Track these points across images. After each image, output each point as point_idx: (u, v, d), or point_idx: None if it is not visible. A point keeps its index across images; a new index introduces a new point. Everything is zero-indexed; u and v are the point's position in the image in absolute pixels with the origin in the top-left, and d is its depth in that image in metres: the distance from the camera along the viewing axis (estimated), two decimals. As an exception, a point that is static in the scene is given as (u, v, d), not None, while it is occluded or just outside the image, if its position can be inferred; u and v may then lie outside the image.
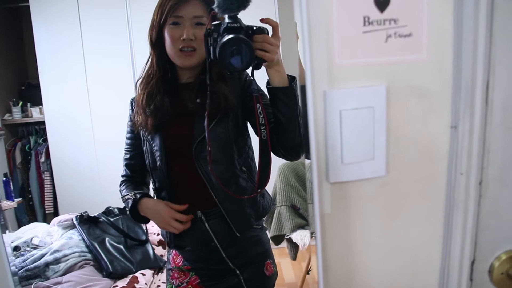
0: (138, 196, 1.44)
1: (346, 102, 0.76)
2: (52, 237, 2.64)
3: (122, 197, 1.51)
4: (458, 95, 0.81)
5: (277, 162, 3.04)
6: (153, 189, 1.50)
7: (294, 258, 3.20)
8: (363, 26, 0.74)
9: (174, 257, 1.50)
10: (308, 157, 0.81)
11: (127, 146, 1.54)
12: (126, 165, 1.54)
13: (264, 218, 1.55)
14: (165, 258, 2.53)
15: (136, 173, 1.53)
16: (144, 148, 1.46)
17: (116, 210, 2.74)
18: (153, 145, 1.40)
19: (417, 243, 0.90)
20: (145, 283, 2.28)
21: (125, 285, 2.24)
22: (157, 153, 1.39)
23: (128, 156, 1.53)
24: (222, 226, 1.42)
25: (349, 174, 0.81)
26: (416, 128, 0.83)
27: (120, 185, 1.55)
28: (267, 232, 1.59)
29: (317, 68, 0.74)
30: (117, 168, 3.94)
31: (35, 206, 4.28)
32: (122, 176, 1.56)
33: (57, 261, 2.35)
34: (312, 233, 2.91)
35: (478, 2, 0.75)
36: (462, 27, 0.77)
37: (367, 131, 0.78)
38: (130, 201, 1.45)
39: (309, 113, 0.74)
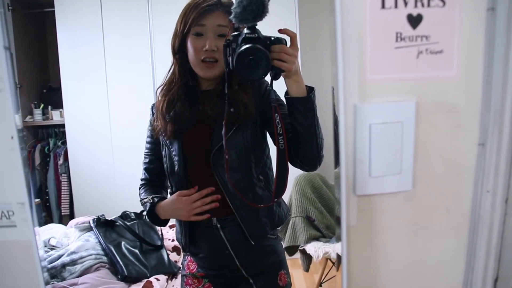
0: (155, 200, 1.46)
1: (376, 116, 0.77)
2: (69, 239, 2.67)
3: (140, 200, 1.53)
4: (487, 113, 0.81)
5: (293, 173, 3.05)
6: (170, 193, 1.51)
7: (307, 269, 3.19)
8: (395, 42, 0.75)
9: (189, 263, 1.51)
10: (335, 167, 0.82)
11: (146, 151, 1.56)
12: (145, 169, 1.56)
13: (279, 228, 1.55)
14: (179, 264, 2.54)
15: (155, 177, 1.54)
16: (163, 153, 1.47)
17: (132, 214, 2.77)
18: (172, 150, 1.41)
19: (440, 258, 0.90)
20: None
21: (139, 290, 2.27)
22: (176, 158, 1.41)
23: (147, 160, 1.55)
24: (237, 234, 1.42)
25: (376, 187, 0.82)
26: (444, 144, 0.84)
27: (140, 188, 1.57)
28: (281, 242, 1.59)
29: (349, 82, 0.75)
30: (134, 173, 3.98)
31: (51, 207, 4.32)
32: (142, 179, 1.58)
33: (73, 262, 2.38)
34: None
35: (510, 20, 0.76)
36: (494, 44, 0.78)
37: (395, 146, 0.79)
38: (148, 205, 1.47)
39: (340, 126, 0.75)
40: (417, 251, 0.89)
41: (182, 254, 2.71)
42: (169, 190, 1.52)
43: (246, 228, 1.41)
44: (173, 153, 1.41)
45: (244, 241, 1.42)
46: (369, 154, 0.79)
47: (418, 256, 0.90)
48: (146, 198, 1.49)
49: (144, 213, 1.52)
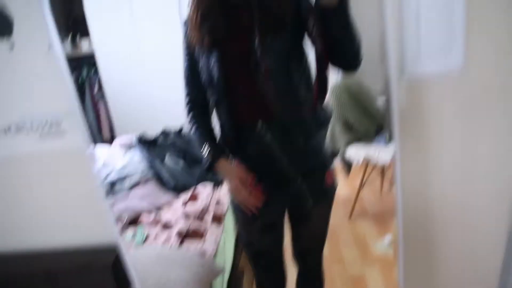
0: (215, 158, 1.48)
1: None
2: (114, 158, 2.77)
3: (192, 134, 1.52)
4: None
5: (330, 79, 3.00)
6: (212, 103, 1.51)
7: (348, 174, 3.24)
8: None
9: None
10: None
11: (185, 64, 1.54)
12: (187, 84, 1.54)
13: (324, 129, 1.55)
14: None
15: (198, 90, 1.52)
16: (201, 65, 1.45)
17: (172, 130, 2.82)
18: (210, 61, 1.39)
19: (494, 141, 0.87)
20: (206, 196, 2.38)
21: (187, 198, 2.35)
22: (215, 69, 1.39)
23: (187, 74, 1.53)
24: (283, 136, 1.43)
25: (426, 67, 0.79)
26: (497, 21, 0.78)
27: (187, 110, 1.55)
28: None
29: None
30: (169, 90, 4.01)
31: (93, 135, 4.44)
32: (186, 96, 1.55)
33: (121, 179, 2.48)
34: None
35: None
36: None
37: (445, 23, 0.74)
38: (207, 164, 1.50)
39: (387, 5, 0.71)
40: (470, 135, 0.86)
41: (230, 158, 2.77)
42: (210, 102, 1.50)
43: (292, 131, 1.41)
44: (212, 64, 1.39)
45: (291, 142, 1.43)
46: (418, 32, 0.75)
47: (470, 142, 0.87)
48: (203, 147, 1.49)
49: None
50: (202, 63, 1.43)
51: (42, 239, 1.07)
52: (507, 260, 1.01)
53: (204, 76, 1.44)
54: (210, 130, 1.52)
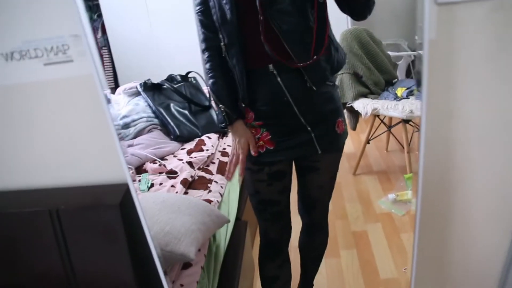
0: (231, 121, 1.44)
1: None
2: (119, 105, 2.72)
3: (210, 86, 1.47)
4: None
5: (339, 28, 2.92)
6: (222, 45, 1.45)
7: (354, 128, 3.19)
8: None
9: (246, 114, 1.50)
10: None
11: (198, 7, 1.46)
12: (203, 26, 1.47)
13: (338, 74, 1.50)
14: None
15: (215, 33, 1.45)
16: (211, 3, 1.38)
17: (178, 77, 2.76)
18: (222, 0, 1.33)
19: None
20: (212, 145, 2.35)
21: (192, 147, 2.33)
22: (227, 7, 1.32)
23: (202, 15, 1.45)
24: (294, 80, 1.38)
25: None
26: None
27: (205, 60, 1.48)
28: (338, 90, 1.54)
29: None
30: (173, 36, 3.93)
31: (96, 81, 4.38)
32: (203, 41, 1.48)
33: (126, 125, 2.44)
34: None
35: None
36: None
37: None
38: (222, 124, 1.46)
39: None
40: (502, 69, 0.81)
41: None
42: (221, 43, 1.44)
43: (306, 73, 1.36)
44: (223, 0, 1.32)
45: (302, 87, 1.38)
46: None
47: (500, 75, 0.82)
48: (221, 105, 1.44)
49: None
50: (213, 1, 1.36)
51: (47, 176, 1.04)
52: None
53: (215, 15, 1.37)
54: (229, 84, 1.46)
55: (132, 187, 0.94)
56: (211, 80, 1.46)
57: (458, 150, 0.90)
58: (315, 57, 1.36)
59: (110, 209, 0.95)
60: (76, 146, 0.98)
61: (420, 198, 0.92)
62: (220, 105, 1.44)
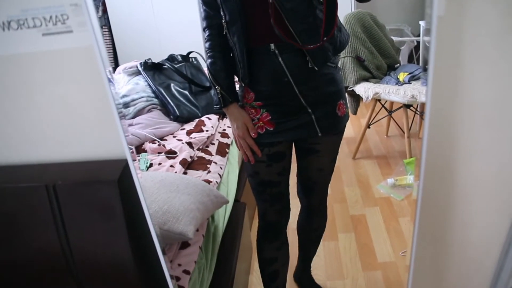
0: (226, 103, 1.44)
1: None
2: (119, 84, 2.69)
3: (209, 66, 1.45)
4: None
5: (343, 11, 2.88)
6: (224, 22, 1.42)
7: (355, 112, 3.18)
8: None
9: (246, 94, 1.48)
10: None
11: None
12: (204, 3, 1.44)
13: (340, 57, 1.47)
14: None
15: (217, 11, 1.43)
16: None
17: (179, 57, 2.73)
18: None
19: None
20: (212, 126, 2.33)
21: (192, 128, 2.31)
22: None
23: None
24: (296, 61, 1.36)
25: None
26: None
27: (205, 39, 1.45)
28: (340, 72, 1.52)
29: None
30: (175, 16, 3.88)
31: (96, 61, 4.35)
32: (204, 19, 1.46)
33: (126, 105, 2.42)
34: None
35: None
36: None
37: None
38: (217, 106, 1.46)
39: None
40: (509, 49, 0.80)
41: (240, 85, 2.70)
42: (223, 20, 1.41)
43: (308, 53, 1.34)
44: None
45: (304, 67, 1.36)
46: None
47: (509, 55, 0.80)
48: (218, 86, 1.43)
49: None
50: None
51: (44, 151, 1.02)
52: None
53: None
54: (228, 65, 1.45)
55: (131, 163, 0.93)
56: (209, 60, 1.45)
57: (462, 130, 0.89)
58: (325, 38, 1.34)
59: (108, 185, 0.94)
60: (74, 120, 0.96)
61: (423, 180, 0.91)
62: (217, 87, 1.43)
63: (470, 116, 0.88)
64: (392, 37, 3.23)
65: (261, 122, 1.45)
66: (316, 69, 1.37)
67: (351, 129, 3.56)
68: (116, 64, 4.23)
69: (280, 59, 1.36)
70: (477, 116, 0.88)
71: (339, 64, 2.92)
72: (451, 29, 0.77)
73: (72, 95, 0.93)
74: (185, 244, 1.52)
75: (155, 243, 0.99)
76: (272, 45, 1.35)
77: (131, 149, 1.78)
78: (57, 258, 1.06)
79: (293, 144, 1.56)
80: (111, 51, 4.24)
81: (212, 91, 1.49)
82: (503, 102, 0.86)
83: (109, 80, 0.82)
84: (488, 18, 0.77)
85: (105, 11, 4.09)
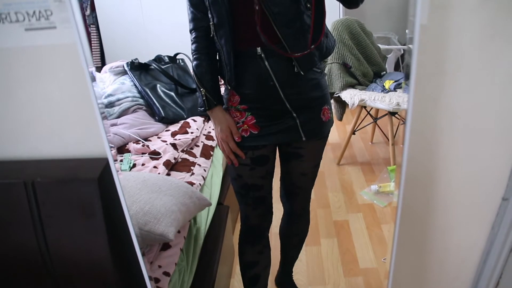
0: (211, 106, 1.44)
1: None
2: (105, 83, 2.67)
3: (194, 68, 1.45)
4: None
5: (331, 18, 2.89)
6: (211, 25, 1.42)
7: (340, 118, 3.19)
8: None
9: (231, 97, 1.48)
10: None
11: None
12: (191, 5, 1.43)
13: (327, 63, 1.48)
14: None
15: (202, 11, 1.42)
16: None
17: (166, 58, 2.72)
18: None
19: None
20: (197, 128, 2.32)
21: (177, 129, 2.30)
22: None
23: None
24: (282, 65, 1.36)
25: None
26: None
27: (191, 41, 1.45)
28: (325, 78, 1.52)
29: None
30: (163, 16, 3.87)
31: (82, 59, 4.31)
32: (190, 21, 1.45)
33: (111, 104, 2.40)
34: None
35: None
36: None
37: None
38: (201, 108, 1.46)
39: None
40: (491, 56, 0.81)
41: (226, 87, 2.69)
42: (210, 23, 1.41)
43: (295, 58, 1.34)
44: None
45: (290, 72, 1.37)
46: None
47: (491, 62, 0.81)
48: (202, 88, 1.43)
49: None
50: None
51: (24, 147, 1.01)
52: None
53: None
54: (213, 68, 1.46)
55: (112, 162, 0.92)
56: (195, 62, 1.44)
57: (443, 138, 0.90)
58: (312, 46, 1.35)
59: (88, 183, 0.93)
60: (55, 117, 0.95)
61: (403, 188, 0.92)
62: (201, 89, 1.43)
63: (451, 124, 0.89)
64: (379, 45, 3.26)
65: (245, 125, 1.44)
66: (302, 74, 1.37)
67: (336, 135, 3.58)
68: (103, 63, 4.20)
69: (266, 63, 1.36)
70: (458, 124, 0.89)
71: (326, 70, 2.94)
72: (434, 38, 0.77)
73: (54, 92, 0.91)
74: (166, 246, 1.51)
75: (134, 243, 0.99)
76: (258, 49, 1.35)
77: (112, 147, 1.77)
78: (34, 256, 1.04)
79: (277, 148, 1.56)
80: (99, 50, 4.21)
81: (198, 93, 1.49)
82: (484, 111, 0.87)
83: (92, 79, 0.81)
84: (470, 27, 0.78)
85: (93, 9, 4.06)
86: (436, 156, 0.94)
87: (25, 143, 0.99)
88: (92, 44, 4.21)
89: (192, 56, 1.46)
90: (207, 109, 1.45)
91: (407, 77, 0.81)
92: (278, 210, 1.71)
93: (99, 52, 4.21)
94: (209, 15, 1.38)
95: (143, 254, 1.05)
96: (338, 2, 1.36)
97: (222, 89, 1.50)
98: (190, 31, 1.45)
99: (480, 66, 0.81)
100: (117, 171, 0.89)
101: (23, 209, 0.98)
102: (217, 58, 1.46)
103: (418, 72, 0.78)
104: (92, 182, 0.92)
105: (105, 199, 0.96)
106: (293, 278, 2.03)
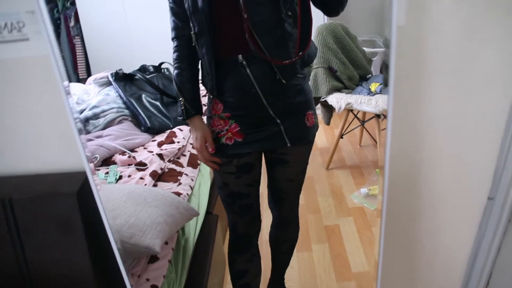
0: (189, 115, 1.45)
1: None
2: (89, 95, 2.65)
3: (174, 77, 1.45)
4: None
5: (315, 23, 2.91)
6: (193, 33, 1.41)
7: (328, 122, 3.19)
8: None
9: (214, 105, 1.47)
10: None
11: None
12: (173, 14, 1.43)
13: (307, 68, 1.48)
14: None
15: (185, 21, 1.42)
16: None
17: (151, 67, 2.70)
18: None
19: (495, 63, 0.82)
20: (183, 138, 2.30)
21: (163, 139, 2.27)
22: None
23: (172, 4, 1.42)
24: (263, 72, 1.35)
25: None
26: None
27: (173, 49, 1.45)
28: (308, 83, 1.52)
29: None
30: (148, 27, 3.86)
31: (68, 72, 4.27)
32: (172, 30, 1.45)
33: (96, 116, 2.38)
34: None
35: None
36: None
37: None
38: (180, 116, 1.50)
39: None
40: (470, 56, 0.80)
41: (206, 98, 2.68)
42: (191, 32, 1.40)
43: (277, 66, 1.33)
44: None
45: (272, 79, 1.36)
46: None
47: (469, 63, 0.81)
48: (179, 100, 1.45)
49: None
50: None
51: (0, 163, 0.98)
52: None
53: (186, 3, 1.34)
54: (194, 77, 1.46)
55: (91, 176, 0.90)
56: (176, 71, 1.45)
57: (425, 141, 0.89)
58: (300, 53, 1.35)
59: (67, 198, 0.91)
60: (30, 132, 0.93)
61: (387, 191, 0.91)
62: (181, 98, 1.44)
63: (432, 126, 0.88)
64: (364, 48, 3.27)
65: (229, 133, 1.43)
66: (284, 81, 1.36)
67: (324, 140, 3.57)
68: (88, 74, 4.17)
69: (248, 70, 1.35)
70: (440, 125, 0.88)
71: (312, 75, 2.94)
72: (412, 39, 0.77)
73: (29, 106, 0.90)
74: (153, 258, 1.48)
75: (117, 258, 0.96)
76: (240, 56, 1.34)
77: (96, 158, 1.75)
78: (12, 274, 1.01)
79: (262, 155, 1.55)
80: (84, 61, 4.19)
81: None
82: (464, 111, 0.87)
83: (67, 92, 0.80)
84: (448, 27, 0.77)
85: (77, 20, 4.04)
86: (419, 158, 0.94)
87: (0, 158, 0.97)
88: (77, 55, 4.18)
89: (173, 65, 1.46)
90: (185, 118, 1.46)
91: (385, 83, 0.80)
92: (268, 217, 1.70)
93: (84, 63, 4.19)
94: (191, 24, 1.37)
95: (129, 268, 1.03)
96: (321, 7, 1.36)
97: (206, 98, 1.49)
98: (172, 39, 1.45)
99: (458, 67, 0.81)
100: (97, 185, 0.87)
101: (1, 226, 0.96)
102: (199, 66, 1.45)
103: (396, 74, 0.77)
104: (71, 197, 0.90)
105: (85, 214, 0.94)
106: (285, 285, 2.01)
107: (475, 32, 0.78)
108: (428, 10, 0.75)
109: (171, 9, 1.42)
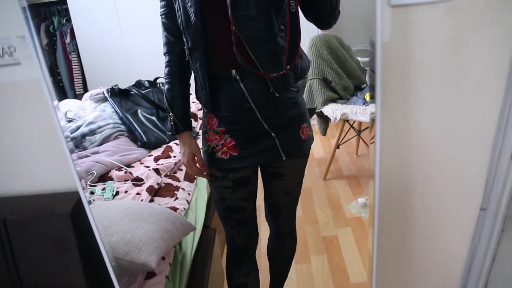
0: (178, 131, 1.48)
1: None
2: (85, 111, 2.66)
3: (165, 96, 1.47)
4: None
5: (309, 34, 2.93)
6: (186, 48, 1.42)
7: (324, 133, 3.20)
8: None
9: (209, 120, 1.48)
10: None
11: (163, 9, 1.44)
12: (165, 29, 1.44)
13: (301, 81, 1.49)
14: (197, 129, 2.54)
15: (177, 37, 1.43)
16: (176, 6, 1.36)
17: (146, 83, 2.72)
18: (187, 2, 1.30)
19: (482, 76, 0.83)
20: (179, 152, 2.30)
21: (160, 154, 2.28)
22: (191, 9, 1.30)
23: (165, 18, 1.43)
24: (257, 86, 1.36)
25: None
26: None
27: (164, 64, 1.47)
28: (302, 96, 1.53)
29: None
30: (143, 42, 3.89)
31: (65, 87, 4.30)
32: (164, 45, 1.46)
33: (92, 132, 2.39)
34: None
35: None
36: None
37: None
38: (170, 131, 1.49)
39: None
40: (456, 70, 0.81)
41: (199, 119, 2.71)
42: (185, 46, 1.41)
43: (270, 80, 1.34)
44: (188, 4, 1.30)
45: (265, 93, 1.37)
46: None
47: (455, 75, 0.82)
48: (168, 116, 1.47)
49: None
50: (177, 4, 1.34)
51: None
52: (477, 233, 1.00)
53: (180, 19, 1.35)
54: (184, 93, 1.48)
55: (83, 195, 0.90)
56: (166, 86, 1.47)
57: (415, 154, 0.90)
58: (288, 67, 1.35)
59: (61, 219, 0.91)
60: (23, 153, 0.94)
61: (377, 204, 0.92)
62: (170, 113, 1.46)
63: (422, 138, 0.89)
64: (358, 58, 3.29)
65: (225, 148, 1.44)
66: (277, 95, 1.37)
67: (321, 150, 3.58)
68: (85, 90, 4.20)
69: (241, 85, 1.36)
70: (429, 137, 0.89)
71: (307, 86, 2.95)
72: (398, 54, 0.78)
73: (21, 128, 0.90)
74: (150, 274, 1.48)
75: (112, 276, 0.96)
76: (233, 71, 1.35)
77: (92, 173, 1.75)
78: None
79: (258, 168, 1.55)
80: (80, 76, 4.21)
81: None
82: (453, 123, 0.88)
83: (57, 111, 0.81)
84: (432, 42, 0.79)
85: (73, 37, 4.07)
86: (409, 170, 0.94)
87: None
88: (74, 71, 4.21)
89: (164, 80, 1.48)
90: (175, 133, 1.48)
91: (372, 88, 0.81)
92: (266, 230, 1.70)
93: (81, 79, 4.21)
94: (184, 39, 1.39)
95: (126, 285, 1.03)
96: (314, 18, 1.37)
97: (201, 112, 1.50)
98: (164, 54, 1.47)
99: (445, 80, 0.82)
100: (90, 203, 0.88)
101: (-4, 248, 0.96)
102: (193, 81, 1.46)
103: (384, 89, 0.78)
104: (65, 217, 0.91)
105: (80, 233, 0.94)
106: (284, 298, 2.01)
107: (461, 45, 0.79)
108: (412, 26, 0.76)
109: (163, 24, 1.43)
